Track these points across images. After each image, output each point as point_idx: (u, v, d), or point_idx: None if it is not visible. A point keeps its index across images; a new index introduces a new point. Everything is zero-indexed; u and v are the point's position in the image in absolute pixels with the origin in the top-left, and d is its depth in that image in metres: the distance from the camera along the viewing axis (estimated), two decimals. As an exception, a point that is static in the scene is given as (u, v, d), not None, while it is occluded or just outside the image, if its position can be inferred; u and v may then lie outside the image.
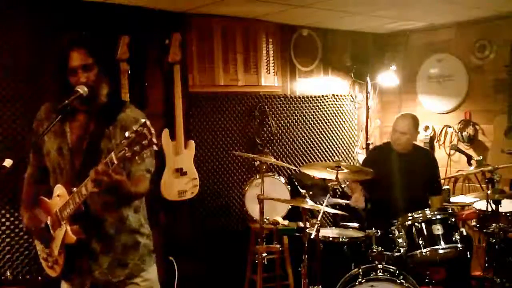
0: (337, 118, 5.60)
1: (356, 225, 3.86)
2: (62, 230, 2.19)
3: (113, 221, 2.28)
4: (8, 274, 3.60)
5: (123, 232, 2.31)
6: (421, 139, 5.31)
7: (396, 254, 3.44)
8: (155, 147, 1.91)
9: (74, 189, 2.12)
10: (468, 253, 3.71)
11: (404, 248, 3.45)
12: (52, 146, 2.29)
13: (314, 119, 5.39)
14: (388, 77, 5.55)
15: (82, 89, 2.16)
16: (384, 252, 3.29)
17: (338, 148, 5.63)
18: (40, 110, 2.40)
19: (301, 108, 5.29)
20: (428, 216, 3.50)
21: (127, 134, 1.90)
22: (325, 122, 5.50)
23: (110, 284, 2.30)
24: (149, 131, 1.87)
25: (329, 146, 5.55)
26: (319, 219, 3.27)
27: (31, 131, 2.40)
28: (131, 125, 2.09)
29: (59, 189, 2.23)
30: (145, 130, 1.87)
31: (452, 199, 4.71)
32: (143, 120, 1.89)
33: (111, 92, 2.32)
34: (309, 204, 3.29)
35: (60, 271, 2.27)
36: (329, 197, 3.32)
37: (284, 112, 5.15)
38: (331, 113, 5.54)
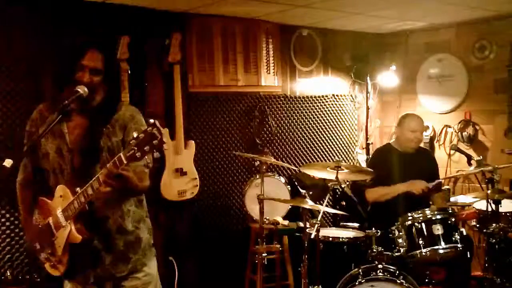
0: (337, 118, 5.60)
1: (356, 225, 3.86)
2: (66, 230, 2.19)
3: (115, 218, 2.30)
4: (8, 274, 3.59)
5: (125, 228, 2.33)
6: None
7: (396, 254, 3.44)
8: (165, 147, 1.95)
9: (78, 189, 2.12)
10: (468, 253, 3.71)
11: (404, 248, 3.45)
12: (51, 147, 2.29)
13: (314, 119, 5.39)
14: (388, 77, 5.55)
15: (82, 89, 2.17)
16: (384, 252, 3.29)
17: (338, 148, 5.62)
18: (34, 111, 2.39)
19: (301, 108, 5.28)
20: (428, 216, 3.49)
21: (135, 134, 1.93)
22: (325, 122, 5.50)
23: (113, 279, 2.32)
24: (158, 131, 1.91)
25: (329, 146, 5.54)
26: (319, 219, 3.28)
27: (25, 133, 2.39)
28: (129, 122, 2.28)
29: (61, 190, 2.23)
30: (154, 130, 1.91)
31: (452, 199, 4.70)
32: (152, 121, 1.92)
33: (106, 97, 2.34)
34: (309, 204, 3.29)
35: (63, 270, 2.27)
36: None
37: (284, 112, 5.15)
38: (331, 113, 5.54)
